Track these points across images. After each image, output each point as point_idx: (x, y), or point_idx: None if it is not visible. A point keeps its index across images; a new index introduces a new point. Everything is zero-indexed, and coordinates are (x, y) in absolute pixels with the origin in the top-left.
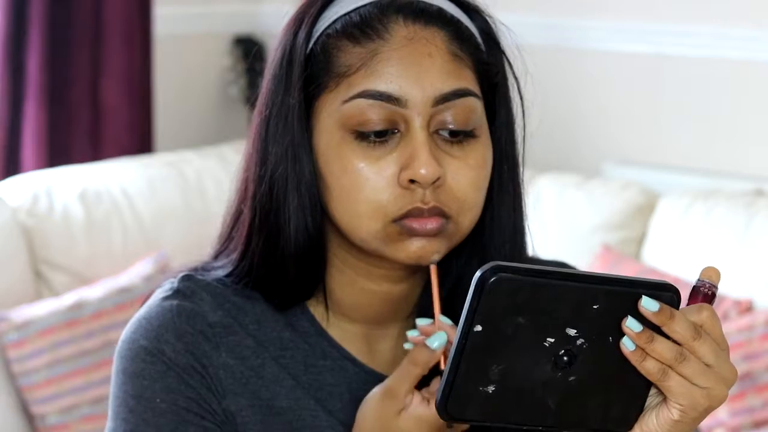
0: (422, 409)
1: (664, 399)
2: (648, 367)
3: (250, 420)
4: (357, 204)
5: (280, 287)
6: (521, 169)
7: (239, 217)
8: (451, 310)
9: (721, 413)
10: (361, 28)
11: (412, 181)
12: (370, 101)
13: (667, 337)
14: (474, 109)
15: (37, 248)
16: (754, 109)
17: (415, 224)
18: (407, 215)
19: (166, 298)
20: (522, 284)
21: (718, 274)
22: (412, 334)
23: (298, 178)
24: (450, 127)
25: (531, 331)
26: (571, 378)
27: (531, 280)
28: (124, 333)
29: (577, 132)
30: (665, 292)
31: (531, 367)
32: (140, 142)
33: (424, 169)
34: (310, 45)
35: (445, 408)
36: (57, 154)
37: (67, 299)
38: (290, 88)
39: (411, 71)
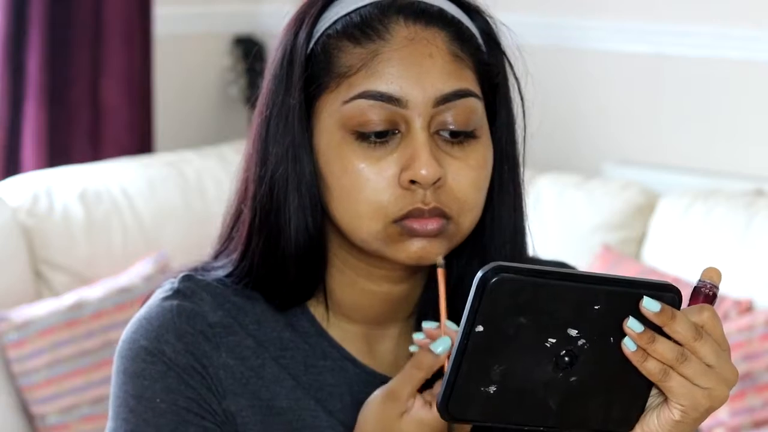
0: (424, 412)
1: (665, 399)
2: (649, 368)
3: (250, 420)
4: (357, 204)
5: (280, 287)
6: (522, 169)
7: (239, 217)
8: (452, 311)
9: (721, 413)
10: (361, 29)
11: (412, 182)
12: (371, 102)
13: (669, 337)
14: (475, 109)
15: (37, 248)
16: (754, 109)
17: (416, 225)
18: (408, 216)
19: (166, 298)
20: (523, 285)
21: (719, 274)
22: (418, 336)
23: (299, 179)
24: (450, 127)
25: (532, 332)
26: (573, 378)
27: (532, 281)
28: (125, 333)
29: (577, 132)
30: (667, 293)
31: (532, 368)
32: (140, 142)
33: (424, 170)
34: (311, 45)
35: (446, 408)
36: (57, 154)
37: (67, 299)
38: (291, 89)
39: (412, 72)
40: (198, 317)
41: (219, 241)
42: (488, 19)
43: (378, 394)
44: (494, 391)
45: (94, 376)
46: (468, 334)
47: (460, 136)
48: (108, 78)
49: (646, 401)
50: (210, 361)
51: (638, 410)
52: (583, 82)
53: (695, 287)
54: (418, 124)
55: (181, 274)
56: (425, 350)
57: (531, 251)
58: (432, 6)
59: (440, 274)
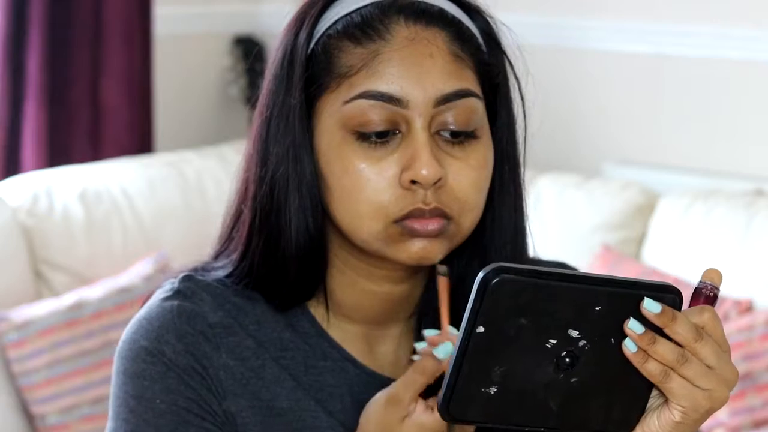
0: (425, 416)
1: (666, 400)
2: (650, 369)
3: (251, 421)
4: (358, 204)
5: (280, 288)
6: (522, 169)
7: (239, 217)
8: (452, 311)
9: (721, 413)
10: (362, 29)
11: (413, 182)
12: (372, 102)
13: (669, 338)
14: (475, 109)
15: (37, 248)
16: (754, 109)
17: (417, 225)
18: (408, 216)
19: (166, 298)
20: (524, 286)
21: (719, 275)
22: (420, 346)
23: (299, 179)
24: (451, 127)
25: (533, 333)
26: (573, 379)
27: (533, 282)
28: (125, 333)
29: (577, 132)
30: (667, 294)
31: (533, 369)
32: (140, 142)
33: (425, 170)
34: (311, 45)
35: (447, 409)
36: (57, 154)
37: (67, 299)
38: (291, 89)
39: (412, 72)
40: (198, 318)
41: (219, 242)
42: (488, 19)
43: (380, 396)
44: (495, 392)
45: (94, 376)
46: (469, 335)
47: (461, 136)
48: (108, 78)
49: (646, 402)
50: (210, 361)
51: (639, 411)
52: (583, 82)
53: (696, 288)
54: (419, 124)
55: (182, 275)
56: (427, 355)
57: (531, 251)
58: (432, 6)
59: (442, 283)
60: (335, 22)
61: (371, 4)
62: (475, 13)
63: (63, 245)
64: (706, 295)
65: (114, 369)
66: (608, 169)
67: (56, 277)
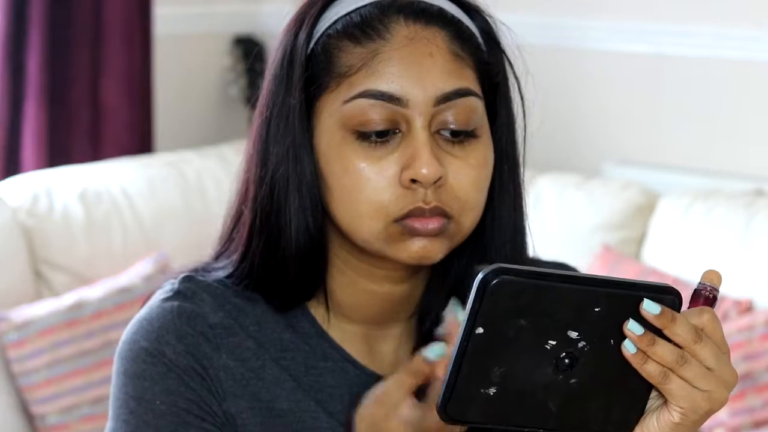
0: (414, 414)
1: (665, 402)
2: (649, 370)
3: (251, 422)
4: (358, 204)
5: (280, 288)
6: (522, 169)
7: (240, 218)
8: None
9: (721, 413)
10: (361, 29)
11: (413, 181)
12: (372, 101)
13: (669, 340)
14: (475, 108)
15: (37, 248)
16: (754, 109)
17: (417, 224)
18: (409, 215)
19: (166, 299)
20: (524, 287)
21: (719, 277)
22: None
23: (299, 179)
24: (451, 127)
25: (532, 334)
26: (573, 381)
27: (533, 283)
28: (125, 334)
29: (577, 132)
30: (667, 295)
31: (532, 370)
32: (140, 142)
33: (425, 169)
34: (311, 45)
35: (445, 409)
36: (57, 154)
37: (67, 299)
38: (291, 89)
39: (412, 71)
40: (198, 318)
41: (219, 242)
42: (488, 18)
43: (370, 394)
44: (494, 392)
45: (94, 376)
46: (468, 335)
47: (461, 136)
48: (108, 78)
49: (645, 404)
50: (210, 362)
51: (638, 413)
52: (583, 82)
53: (695, 290)
54: (419, 124)
55: (182, 275)
56: (418, 357)
57: (531, 251)
58: (432, 5)
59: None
60: (335, 22)
61: (371, 3)
62: (474, 12)
63: (63, 245)
64: (706, 296)
65: (114, 369)
66: (608, 169)
67: (56, 277)
